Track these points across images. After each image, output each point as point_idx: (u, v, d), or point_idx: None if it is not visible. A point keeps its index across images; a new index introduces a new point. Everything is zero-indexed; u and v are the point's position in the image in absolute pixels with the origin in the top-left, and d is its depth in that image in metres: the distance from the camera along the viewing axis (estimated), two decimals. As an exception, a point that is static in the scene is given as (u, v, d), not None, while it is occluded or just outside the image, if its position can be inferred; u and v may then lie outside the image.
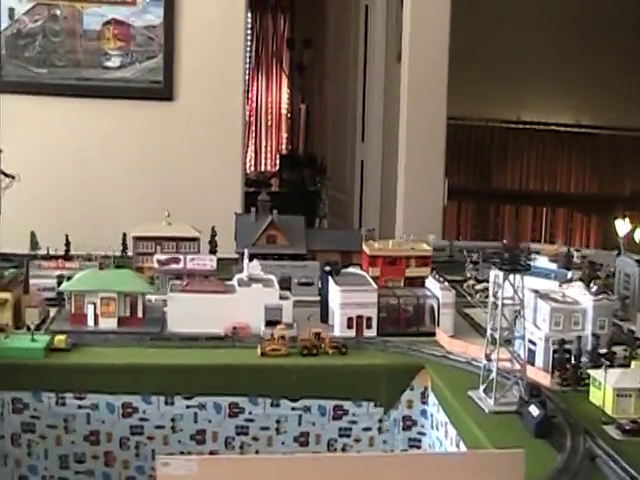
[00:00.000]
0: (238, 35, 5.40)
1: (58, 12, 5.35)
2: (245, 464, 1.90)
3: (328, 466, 1.89)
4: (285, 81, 10.55)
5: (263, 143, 10.39)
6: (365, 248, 3.66)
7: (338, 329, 3.09)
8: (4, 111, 5.12)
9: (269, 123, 10.40)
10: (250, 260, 3.40)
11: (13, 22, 5.31)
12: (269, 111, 10.45)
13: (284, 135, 10.45)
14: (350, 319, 3.10)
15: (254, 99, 10.30)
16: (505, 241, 2.58)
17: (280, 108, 10.49)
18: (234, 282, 3.23)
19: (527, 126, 8.79)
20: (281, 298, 3.14)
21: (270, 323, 3.04)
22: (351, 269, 3.53)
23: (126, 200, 5.17)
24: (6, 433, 2.75)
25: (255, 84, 10.31)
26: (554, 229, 8.79)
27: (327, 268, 3.32)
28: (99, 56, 5.33)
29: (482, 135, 8.86)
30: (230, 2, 5.36)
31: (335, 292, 3.15)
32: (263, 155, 10.37)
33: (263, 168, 10.25)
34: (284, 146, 10.43)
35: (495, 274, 2.58)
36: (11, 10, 5.31)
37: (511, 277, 2.54)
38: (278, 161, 9.90)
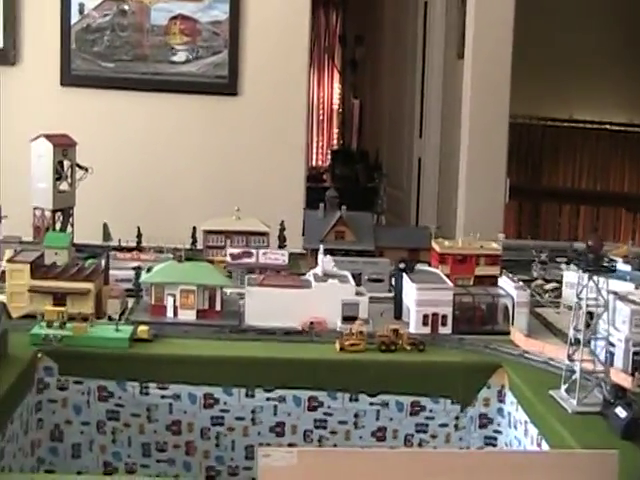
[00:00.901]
0: (302, 31, 5.42)
1: (126, 7, 5.42)
2: (345, 457, 1.94)
3: (425, 462, 1.92)
4: (337, 77, 10.57)
5: (314, 138, 10.42)
6: (435, 246, 3.68)
7: (413, 326, 3.11)
8: (75, 104, 5.23)
9: (320, 118, 10.44)
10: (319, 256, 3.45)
11: (83, 17, 5.39)
12: (320, 106, 10.49)
13: (335, 130, 10.48)
14: (426, 316, 3.11)
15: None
16: (590, 242, 2.58)
17: (332, 104, 10.52)
18: (310, 277, 3.27)
19: (580, 125, 8.72)
20: (357, 294, 3.17)
21: (347, 319, 3.08)
22: (423, 266, 3.55)
23: (192, 193, 5.24)
24: (92, 420, 2.82)
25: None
26: (616, 230, 8.71)
27: (402, 265, 3.34)
28: (165, 51, 5.40)
29: (534, 134, 8.81)
30: (294, -2, 5.40)
31: (411, 289, 3.17)
32: (314, 150, 10.41)
33: (314, 163, 10.29)
34: (335, 141, 10.45)
35: (579, 275, 2.58)
36: (81, 5, 5.40)
37: (595, 279, 2.54)
38: (329, 156, 9.92)
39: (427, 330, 3.10)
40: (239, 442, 2.83)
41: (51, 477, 2.41)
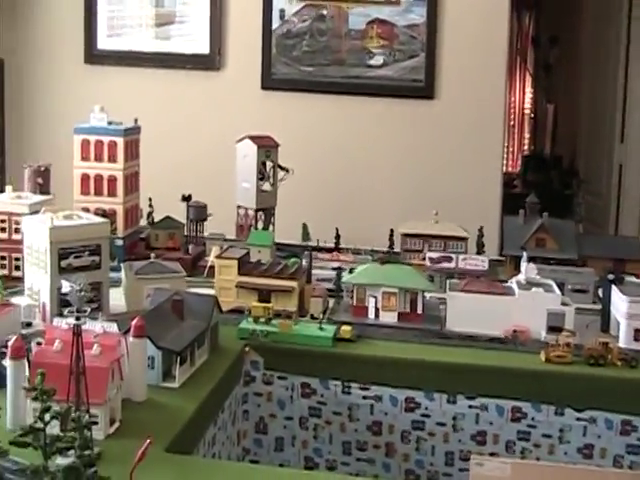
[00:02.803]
0: (500, 33, 5.31)
1: (325, 12, 5.53)
2: (560, 473, 1.87)
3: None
4: (529, 80, 10.29)
5: (504, 143, 10.18)
6: (646, 257, 3.49)
7: (624, 340, 2.96)
8: (275, 107, 5.40)
9: (511, 123, 10.19)
10: (519, 263, 3.36)
11: (283, 22, 5.55)
12: (511, 111, 10.23)
13: (526, 135, 10.20)
14: (637, 331, 2.96)
15: (496, 98, 10.12)
16: None
17: (523, 108, 10.25)
18: (512, 285, 3.19)
19: None
20: (562, 304, 3.06)
21: (552, 329, 2.98)
22: (630, 278, 3.37)
23: (388, 196, 5.26)
24: (295, 415, 2.88)
25: (497, 83, 10.12)
26: None
27: (610, 276, 3.19)
28: (362, 55, 5.45)
29: None
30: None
31: (621, 302, 3.02)
32: (505, 155, 10.17)
33: (504, 169, 10.05)
34: (526, 147, 10.17)
35: None
36: (282, 11, 5.56)
37: None
38: (520, 162, 9.66)
39: (638, 346, 2.94)
40: (439, 448, 2.80)
41: (255, 467, 2.49)
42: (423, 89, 5.35)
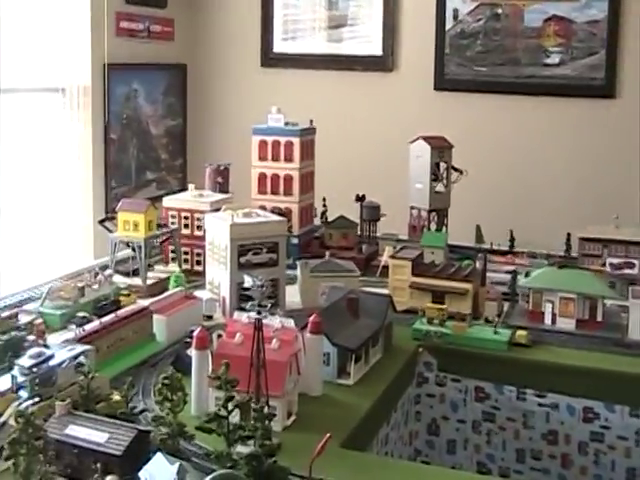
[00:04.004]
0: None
1: (500, 11, 5.43)
2: None
3: None
4: None
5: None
6: None
7: None
8: (447, 108, 5.35)
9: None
10: None
11: (457, 22, 5.50)
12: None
13: None
14: None
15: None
16: None
17: None
18: (703, 294, 3.00)
19: None
20: None
21: None
22: None
23: (564, 198, 5.10)
24: (468, 419, 2.84)
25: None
26: None
27: None
28: (538, 53, 5.31)
29: None
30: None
31: None
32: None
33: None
34: None
35: None
36: (455, 11, 5.51)
37: None
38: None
39: None
40: (620, 463, 2.68)
41: (428, 468, 2.46)
42: (603, 88, 5.14)
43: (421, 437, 2.90)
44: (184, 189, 4.02)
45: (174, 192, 3.97)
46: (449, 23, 5.50)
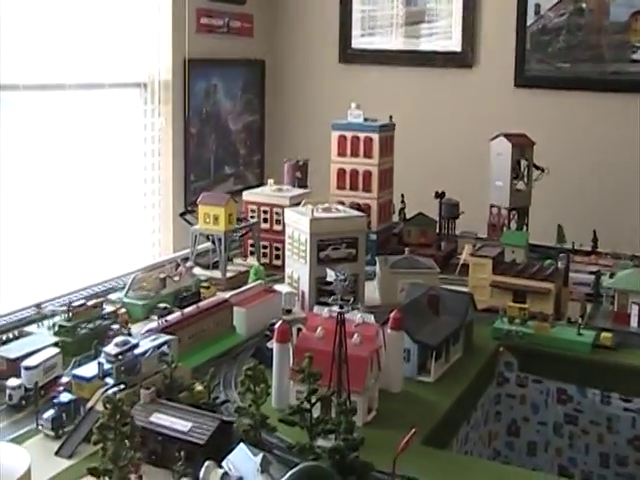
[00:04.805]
0: None
1: (584, 5, 5.30)
2: None
3: None
4: None
5: None
6: None
7: None
8: (528, 105, 5.26)
9: None
10: None
11: (538, 18, 5.39)
12: None
13: None
14: None
15: None
16: None
17: None
18: None
19: None
20: None
21: None
22: None
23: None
24: (549, 421, 2.79)
25: None
26: None
27: None
28: (624, 49, 5.17)
29: None
30: None
31: None
32: None
33: None
34: None
35: None
36: (537, 6, 5.40)
37: None
38: None
39: None
40: None
41: (510, 469, 2.41)
42: (693, 84, 4.98)
43: (501, 438, 2.85)
44: (261, 184, 4.04)
45: (251, 187, 4.00)
46: (530, 19, 5.40)
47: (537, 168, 4.04)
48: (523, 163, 4.00)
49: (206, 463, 1.73)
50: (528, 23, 5.40)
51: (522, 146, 3.98)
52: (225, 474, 1.71)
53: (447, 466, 2.08)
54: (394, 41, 5.82)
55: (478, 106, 5.40)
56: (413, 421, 2.21)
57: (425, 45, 5.73)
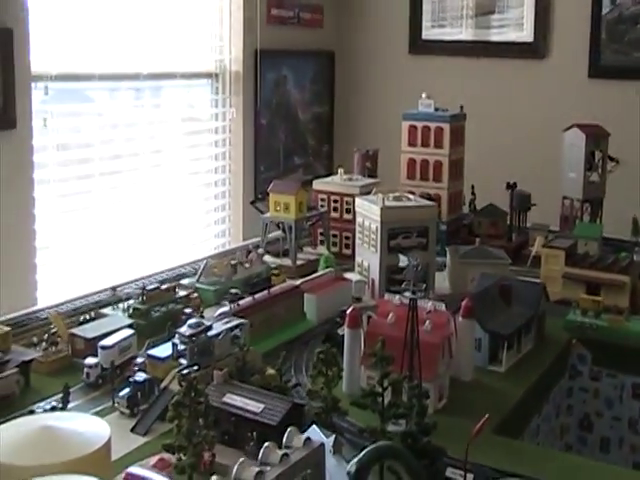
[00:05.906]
0: None
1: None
2: None
3: None
4: None
5: None
6: None
7: None
8: (602, 96, 5.16)
9: None
10: None
11: (614, 7, 5.27)
12: None
13: None
14: None
15: None
16: None
17: None
18: None
19: None
20: None
21: None
22: None
23: None
24: (624, 417, 2.73)
25: None
26: None
27: None
28: None
29: None
30: None
31: None
32: None
33: None
34: None
35: None
36: (613, -5, 5.29)
37: None
38: None
39: None
40: None
41: (584, 461, 2.36)
42: None
43: (572, 432, 2.81)
44: (330, 175, 4.05)
45: (321, 177, 4.01)
46: (606, 7, 5.28)
47: (611, 159, 3.95)
48: (597, 154, 3.91)
49: (266, 444, 1.74)
50: (603, 12, 5.29)
51: (596, 137, 3.89)
52: (285, 455, 1.72)
53: (521, 455, 2.06)
54: (464, 32, 5.77)
55: (551, 97, 5.32)
56: (484, 410, 2.17)
57: (496, 36, 5.66)
